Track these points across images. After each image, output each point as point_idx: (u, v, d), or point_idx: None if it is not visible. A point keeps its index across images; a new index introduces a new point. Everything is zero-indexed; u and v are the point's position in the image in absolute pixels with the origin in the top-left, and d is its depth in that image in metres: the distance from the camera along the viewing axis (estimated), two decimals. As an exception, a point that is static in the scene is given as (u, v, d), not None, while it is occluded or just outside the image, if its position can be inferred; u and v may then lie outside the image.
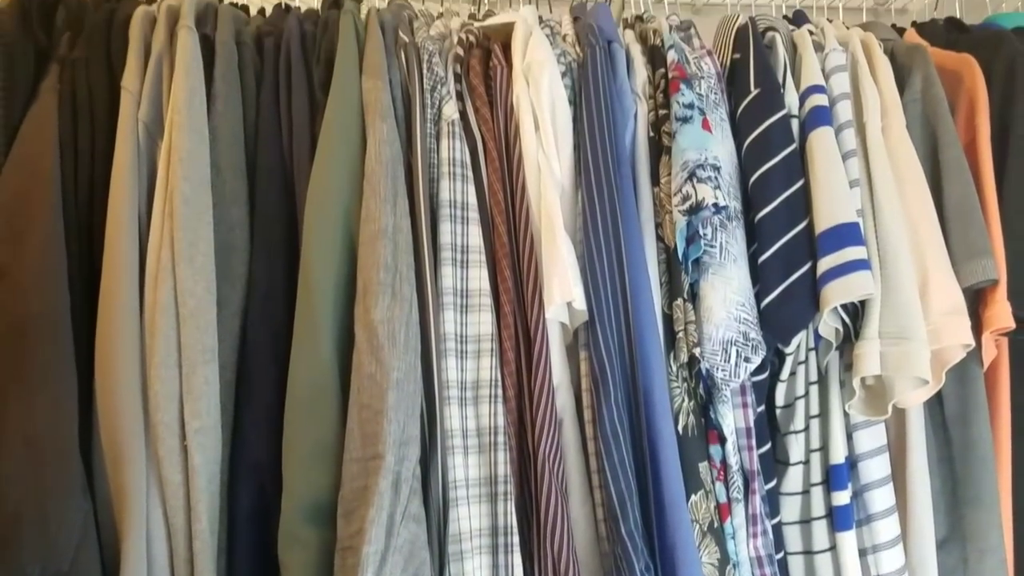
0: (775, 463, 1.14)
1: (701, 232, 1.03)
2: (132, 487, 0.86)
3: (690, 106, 1.07)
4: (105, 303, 0.89)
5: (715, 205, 1.01)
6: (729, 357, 1.02)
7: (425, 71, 1.04)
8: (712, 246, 1.03)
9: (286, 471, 0.89)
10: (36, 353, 0.86)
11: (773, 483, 1.12)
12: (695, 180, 1.01)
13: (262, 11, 1.28)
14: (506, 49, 1.11)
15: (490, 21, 1.16)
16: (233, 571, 0.90)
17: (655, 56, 1.13)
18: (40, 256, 0.88)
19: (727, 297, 1.02)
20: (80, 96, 0.95)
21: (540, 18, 1.21)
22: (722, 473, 1.07)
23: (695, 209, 1.01)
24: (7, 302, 0.87)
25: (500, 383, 0.98)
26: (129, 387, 0.88)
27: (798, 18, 1.34)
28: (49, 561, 0.82)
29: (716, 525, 1.04)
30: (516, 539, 0.93)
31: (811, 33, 1.22)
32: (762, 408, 1.12)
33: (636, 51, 1.15)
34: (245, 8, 1.22)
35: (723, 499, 1.06)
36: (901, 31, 1.39)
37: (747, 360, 1.03)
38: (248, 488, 0.92)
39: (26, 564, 0.81)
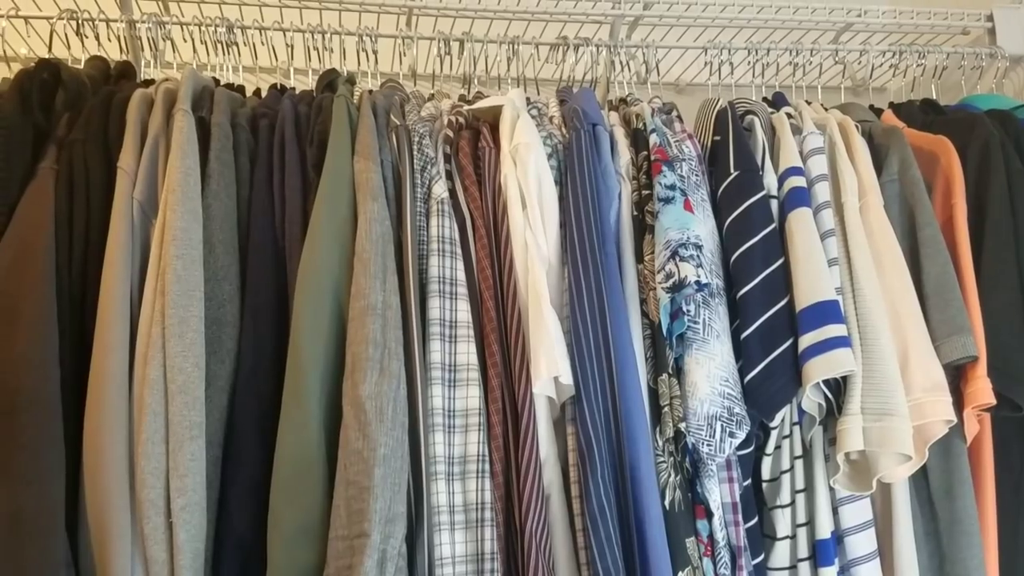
0: (762, 537, 1.14)
1: (684, 308, 1.05)
2: (117, 565, 0.85)
3: (672, 187, 1.10)
4: (95, 379, 0.90)
5: (697, 282, 1.04)
6: (714, 432, 1.03)
7: (416, 152, 1.07)
8: (695, 322, 1.05)
9: (271, 549, 0.89)
10: (24, 430, 0.86)
11: (760, 558, 1.12)
12: (678, 258, 1.04)
13: (258, 92, 1.32)
14: (494, 130, 1.15)
15: (479, 104, 1.19)
16: (216, 650, 0.89)
17: (638, 139, 1.17)
18: (31, 332, 0.89)
19: (711, 372, 1.04)
20: (77, 175, 0.97)
21: (528, 99, 1.25)
22: (709, 548, 1.06)
23: (678, 286, 1.03)
24: (-3, 378, 0.88)
25: (487, 458, 0.98)
26: (116, 464, 0.88)
27: (777, 100, 1.39)
28: (30, 640, 0.81)
29: (704, 603, 1.03)
30: (503, 617, 0.93)
31: (789, 116, 1.27)
32: (748, 482, 1.12)
33: (620, 133, 1.19)
34: (241, 89, 1.26)
35: (711, 575, 1.06)
36: (879, 111, 1.44)
37: (732, 435, 1.04)
38: (231, 565, 0.91)
39: (6, 644, 0.80)
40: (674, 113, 1.29)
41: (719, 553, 1.06)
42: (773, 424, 1.11)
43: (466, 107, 1.20)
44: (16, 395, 0.87)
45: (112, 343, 0.91)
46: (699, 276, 1.04)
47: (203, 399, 0.92)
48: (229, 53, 1.29)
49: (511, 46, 1.37)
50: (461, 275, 1.04)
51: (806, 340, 1.06)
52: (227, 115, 1.04)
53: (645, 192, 1.13)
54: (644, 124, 1.17)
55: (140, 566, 0.87)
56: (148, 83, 1.16)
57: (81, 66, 1.19)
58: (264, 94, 1.22)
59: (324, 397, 0.94)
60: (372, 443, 0.90)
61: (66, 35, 1.25)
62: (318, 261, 0.98)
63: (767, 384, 1.06)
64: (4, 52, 1.35)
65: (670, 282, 1.03)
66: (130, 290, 0.94)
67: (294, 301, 0.97)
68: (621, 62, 1.43)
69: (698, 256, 1.06)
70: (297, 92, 1.19)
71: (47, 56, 1.15)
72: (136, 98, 1.02)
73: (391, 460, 0.91)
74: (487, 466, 0.98)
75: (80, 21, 1.24)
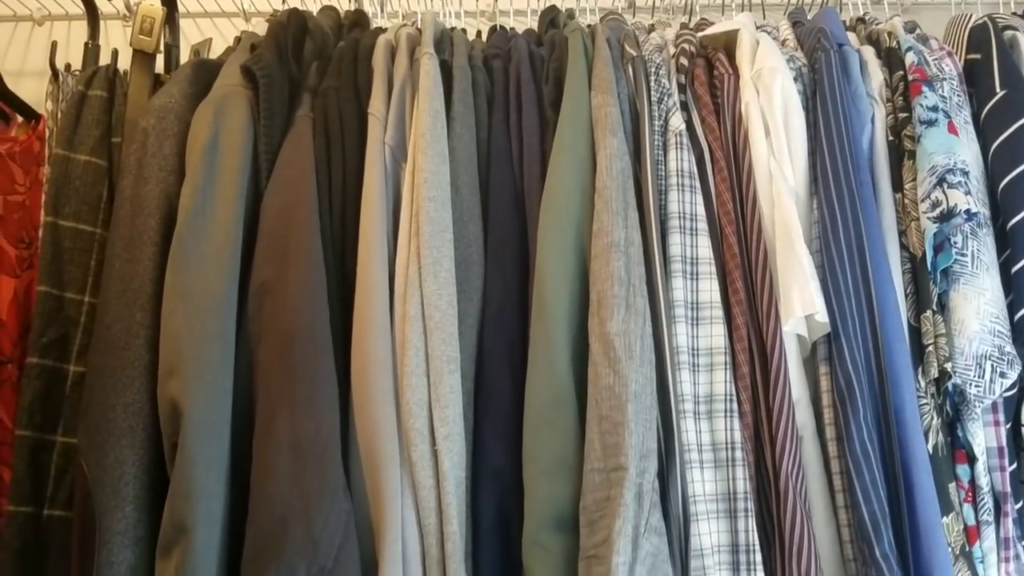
0: (1019, 484, 1.06)
1: (951, 240, 0.98)
2: (388, 490, 0.90)
3: (934, 108, 1.02)
4: (360, 316, 0.95)
5: (967, 211, 0.96)
6: (983, 372, 0.96)
7: (652, 83, 1.04)
8: (963, 255, 0.98)
9: (527, 480, 0.91)
10: (301, 365, 0.91)
11: (1021, 504, 1.05)
12: (945, 185, 0.97)
13: (479, 34, 1.33)
14: (729, 57, 1.10)
15: (709, 30, 1.15)
16: (479, 573, 0.92)
17: (892, 58, 1.10)
18: (302, 273, 0.94)
19: (980, 309, 0.97)
20: (332, 122, 1.02)
21: (756, 25, 1.19)
22: (970, 494, 1.00)
23: (946, 216, 0.96)
24: (274, 317, 0.94)
25: (735, 397, 0.96)
26: (384, 395, 0.92)
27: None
28: (315, 558, 0.86)
29: (967, 549, 0.98)
30: (759, 557, 0.91)
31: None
32: (1010, 425, 1.04)
33: (869, 53, 1.11)
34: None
35: (971, 521, 1.00)
36: None
37: (1003, 376, 0.97)
38: (490, 494, 0.94)
39: (293, 562, 0.85)
40: (918, 32, 1.19)
41: (982, 499, 1.00)
42: (1045, 363, 1.02)
43: (696, 34, 1.15)
44: (291, 333, 0.92)
45: (374, 282, 0.95)
46: (969, 204, 0.96)
47: (457, 335, 0.95)
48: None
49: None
50: (701, 210, 1.01)
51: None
52: (466, 57, 1.05)
53: (902, 115, 1.05)
54: (898, 42, 1.09)
55: (409, 491, 0.91)
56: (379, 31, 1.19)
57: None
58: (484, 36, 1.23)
59: (570, 334, 0.95)
60: (623, 379, 0.90)
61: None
62: (559, 199, 0.98)
63: (1042, 320, 0.97)
64: (243, 8, 1.44)
65: (937, 211, 0.96)
66: (386, 232, 0.98)
67: (537, 239, 0.97)
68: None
69: (966, 183, 0.98)
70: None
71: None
72: (381, 44, 1.05)
73: (642, 396, 0.90)
74: (735, 405, 0.96)
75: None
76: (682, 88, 1.09)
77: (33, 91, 1.35)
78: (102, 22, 1.31)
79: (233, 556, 0.88)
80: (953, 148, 0.99)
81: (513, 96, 1.05)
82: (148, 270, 0.94)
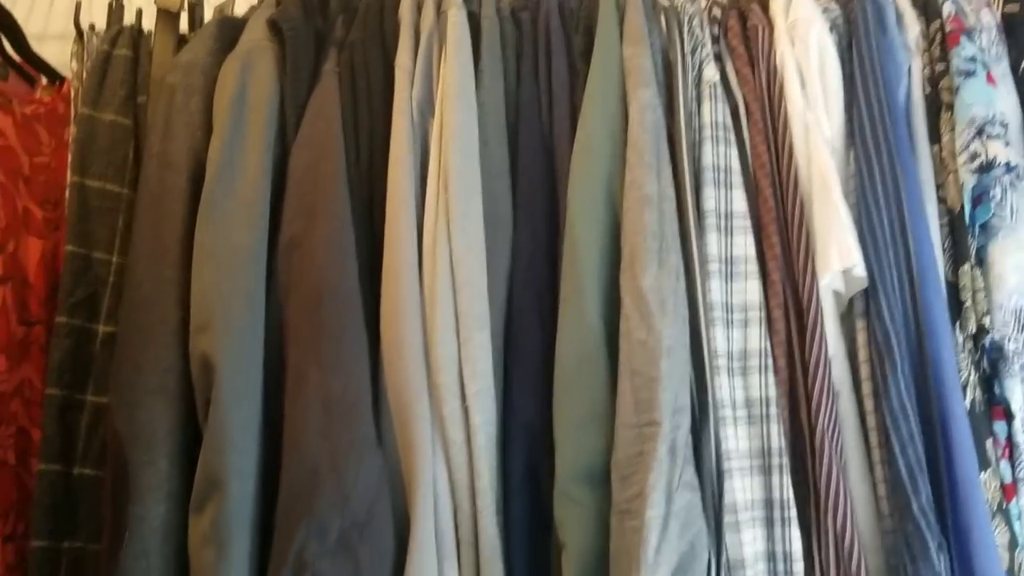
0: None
1: (990, 193, 0.96)
2: (419, 446, 0.89)
3: (972, 59, 1.00)
4: (388, 272, 0.94)
5: (1007, 164, 0.94)
6: (1022, 327, 0.94)
7: (686, 34, 1.02)
8: (1002, 208, 0.96)
9: (558, 434, 0.91)
10: (331, 320, 0.91)
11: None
12: (984, 137, 0.95)
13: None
14: (763, 8, 1.08)
15: (742, -20, 1.12)
16: (510, 527, 0.92)
17: (928, 8, 1.07)
18: (330, 228, 0.93)
19: (1020, 263, 0.95)
20: (358, 76, 1.00)
21: (790, -25, 1.16)
22: (1007, 450, 0.99)
23: (985, 168, 0.94)
24: (302, 272, 0.93)
25: (770, 353, 0.95)
26: (413, 351, 0.92)
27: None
28: (347, 512, 0.86)
29: (1004, 505, 0.96)
30: (794, 512, 0.90)
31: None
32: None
33: (905, 4, 1.08)
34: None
35: (1008, 479, 0.98)
36: None
37: (1043, 331, 0.95)
38: (520, 449, 0.94)
39: (326, 516, 0.86)
40: (955, -20, 1.16)
41: (1019, 456, 0.98)
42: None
43: (728, -15, 1.13)
44: (319, 289, 0.92)
45: (402, 237, 0.94)
46: (1008, 156, 0.94)
47: (486, 291, 0.95)
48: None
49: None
50: (736, 163, 1.00)
51: None
52: (495, 8, 1.04)
53: (939, 66, 1.02)
54: (935, -9, 1.06)
55: (440, 447, 0.91)
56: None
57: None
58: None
59: (602, 288, 0.94)
60: (656, 334, 0.89)
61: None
62: (590, 152, 0.97)
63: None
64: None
65: (976, 163, 0.94)
66: (414, 186, 0.97)
67: (568, 193, 0.96)
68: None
69: (1005, 134, 0.96)
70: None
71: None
72: (407, -4, 1.04)
73: (675, 352, 0.89)
74: (769, 361, 0.95)
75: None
76: (715, 39, 1.06)
77: (56, 53, 1.34)
78: (126, -19, 1.29)
79: (267, 511, 0.88)
80: (992, 99, 0.97)
81: (542, 47, 1.04)
82: (177, 227, 0.93)
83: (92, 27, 1.29)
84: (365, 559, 0.85)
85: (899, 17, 1.07)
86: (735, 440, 0.93)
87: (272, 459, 0.89)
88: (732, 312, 0.97)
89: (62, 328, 1.05)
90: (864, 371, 0.94)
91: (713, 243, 0.97)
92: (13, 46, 1.29)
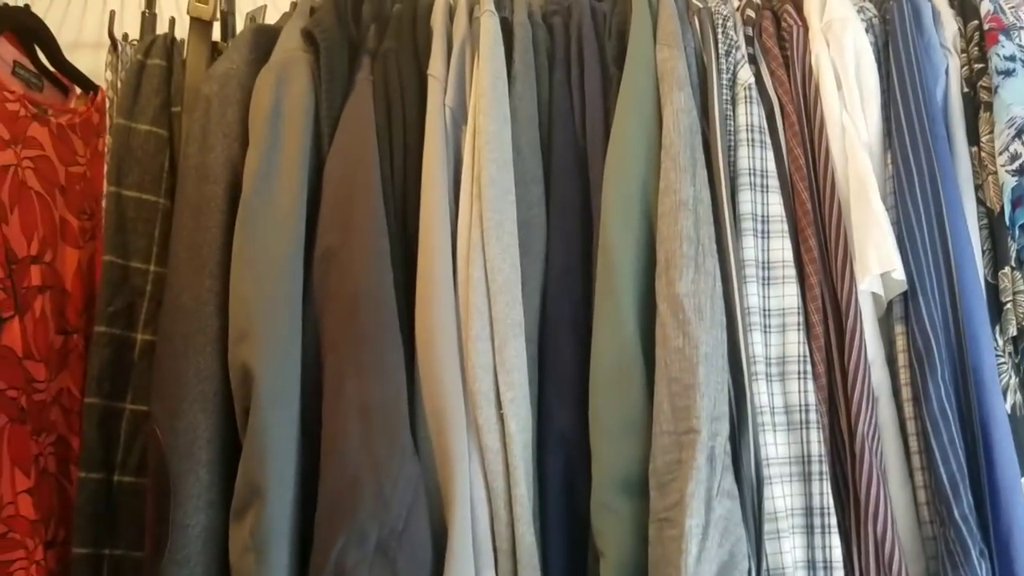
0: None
1: (1032, 194, 0.94)
2: (456, 454, 0.90)
3: (1012, 58, 0.98)
4: (423, 280, 0.94)
5: (1049, 164, 0.92)
6: (1065, 330, 0.93)
7: (720, 36, 1.01)
8: (1044, 209, 0.94)
9: (595, 442, 0.90)
10: (367, 329, 0.91)
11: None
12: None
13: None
14: (797, 9, 1.07)
15: (775, -19, 1.11)
16: (546, 536, 0.92)
17: (966, 7, 1.06)
18: (366, 238, 0.94)
19: (1063, 265, 0.93)
20: (392, 85, 1.00)
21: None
22: (1049, 455, 0.98)
23: (1026, 169, 0.92)
24: (339, 282, 0.94)
25: (808, 359, 0.94)
26: (449, 359, 0.92)
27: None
28: (385, 520, 0.87)
29: (1045, 511, 0.95)
30: (834, 520, 0.90)
31: None
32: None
33: (942, 3, 1.07)
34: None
35: (1050, 484, 0.97)
36: None
37: (1086, 334, 0.93)
38: (556, 457, 0.94)
39: (365, 523, 0.86)
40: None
41: (1061, 460, 0.97)
42: None
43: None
44: (356, 298, 0.92)
45: (437, 245, 0.95)
46: (1050, 157, 0.92)
47: (520, 298, 0.94)
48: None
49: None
50: (772, 166, 0.99)
51: None
52: (527, 14, 1.03)
53: (977, 66, 1.01)
54: (971, -11, 1.04)
55: (476, 454, 0.91)
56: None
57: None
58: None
59: (637, 294, 0.93)
60: (693, 341, 0.88)
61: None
62: (624, 157, 0.96)
63: None
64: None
65: (1016, 164, 0.93)
66: (448, 194, 0.97)
67: (602, 198, 0.96)
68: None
69: (1047, 134, 0.94)
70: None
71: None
72: (439, 4, 1.04)
73: (712, 359, 0.89)
74: (808, 367, 0.94)
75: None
76: (749, 41, 1.06)
77: (89, 62, 1.36)
78: (157, -9, 1.30)
79: (306, 519, 0.88)
80: (1033, 98, 0.95)
81: (575, 53, 1.03)
82: (215, 237, 0.94)
83: (126, 36, 1.30)
84: (403, 567, 0.86)
85: (936, 16, 1.06)
86: (774, 447, 0.92)
87: (309, 467, 0.90)
88: (770, 317, 0.96)
89: (101, 337, 1.07)
90: (903, 376, 0.93)
91: (750, 247, 0.96)
92: (47, 56, 1.30)
